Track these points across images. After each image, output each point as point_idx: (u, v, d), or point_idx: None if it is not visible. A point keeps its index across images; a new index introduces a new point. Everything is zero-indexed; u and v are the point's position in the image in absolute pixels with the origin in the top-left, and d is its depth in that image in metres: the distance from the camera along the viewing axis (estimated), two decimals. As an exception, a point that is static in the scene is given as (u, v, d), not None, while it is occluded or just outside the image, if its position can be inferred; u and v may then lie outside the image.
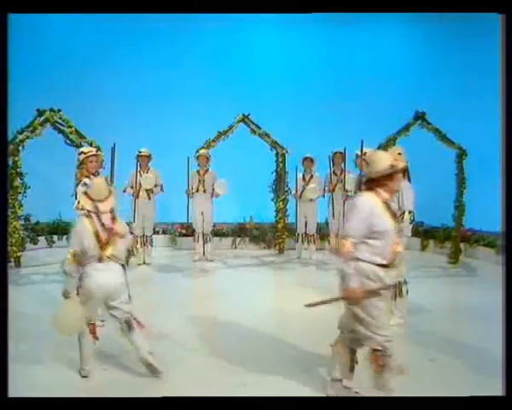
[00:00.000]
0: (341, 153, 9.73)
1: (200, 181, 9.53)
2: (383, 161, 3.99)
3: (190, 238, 10.18)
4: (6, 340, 3.65)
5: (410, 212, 5.91)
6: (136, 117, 11.85)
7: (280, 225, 10.61)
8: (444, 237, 10.68)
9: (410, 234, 5.99)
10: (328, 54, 12.58)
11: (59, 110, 9.22)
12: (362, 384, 4.41)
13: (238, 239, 11.13)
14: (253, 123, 10.32)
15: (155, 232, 10.19)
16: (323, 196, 9.87)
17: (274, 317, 6.64)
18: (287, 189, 10.39)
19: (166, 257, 10.16)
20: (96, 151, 6.86)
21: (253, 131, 10.34)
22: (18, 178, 8.82)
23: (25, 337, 5.36)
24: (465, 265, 9.76)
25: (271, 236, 10.88)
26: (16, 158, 8.84)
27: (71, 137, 9.30)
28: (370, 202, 3.96)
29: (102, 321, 6.02)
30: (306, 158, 9.81)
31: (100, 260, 4.62)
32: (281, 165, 10.47)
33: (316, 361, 5.13)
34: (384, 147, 10.13)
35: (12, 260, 8.86)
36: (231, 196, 10.03)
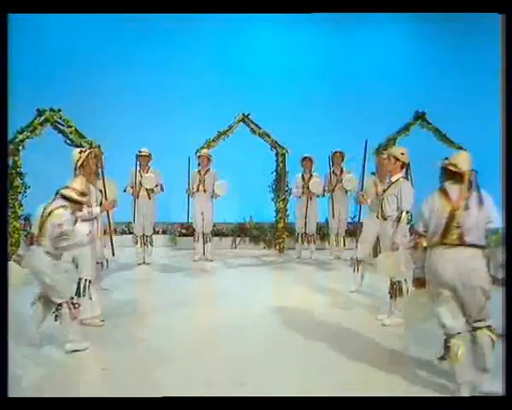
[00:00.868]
0: (341, 153, 9.73)
1: (200, 181, 9.52)
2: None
3: (190, 238, 10.18)
4: (6, 340, 3.65)
5: (407, 212, 5.92)
6: (136, 117, 11.86)
7: (280, 225, 10.61)
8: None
9: (407, 234, 5.99)
10: (328, 54, 12.58)
11: (59, 110, 9.23)
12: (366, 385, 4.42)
13: (238, 239, 11.13)
14: (253, 123, 10.32)
15: (155, 232, 10.19)
16: (323, 195, 9.86)
17: (274, 317, 6.62)
18: (287, 189, 10.39)
19: (166, 257, 10.16)
20: (96, 150, 6.87)
21: (253, 131, 10.35)
22: (18, 178, 8.84)
23: (24, 337, 5.35)
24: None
25: (271, 236, 10.88)
26: (16, 158, 8.86)
27: (71, 136, 9.32)
28: None
29: (102, 321, 6.05)
30: (305, 158, 9.80)
31: None
32: (281, 165, 10.47)
33: (316, 361, 5.13)
34: (384, 147, 10.16)
35: (12, 259, 8.85)
36: (231, 196, 10.03)
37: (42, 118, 9.05)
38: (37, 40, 11.45)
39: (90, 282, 5.94)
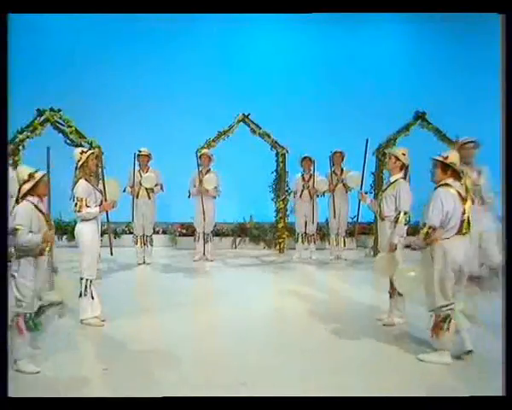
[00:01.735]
0: (341, 153, 9.73)
1: (200, 181, 9.51)
2: None
3: (190, 238, 10.18)
4: (6, 340, 3.65)
5: (405, 213, 5.93)
6: (136, 117, 11.85)
7: (280, 225, 10.61)
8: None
9: (405, 235, 6.00)
10: (328, 54, 12.58)
11: (59, 110, 9.23)
12: (367, 385, 4.42)
13: (238, 239, 11.13)
14: (253, 123, 10.32)
15: (155, 232, 10.19)
16: (323, 195, 9.84)
17: (274, 316, 6.63)
18: (287, 189, 10.38)
19: (166, 257, 10.16)
20: (96, 151, 6.88)
21: (253, 131, 10.35)
22: (18, 178, 8.82)
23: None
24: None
25: (271, 235, 10.88)
26: (16, 158, 8.85)
27: (71, 136, 9.32)
28: None
29: (103, 321, 6.05)
30: (305, 158, 9.77)
31: None
32: (281, 165, 10.46)
33: (316, 361, 5.13)
34: (384, 147, 10.17)
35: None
36: (231, 195, 10.03)
37: (42, 118, 9.06)
38: (37, 40, 11.45)
39: (91, 282, 5.95)
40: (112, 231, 7.76)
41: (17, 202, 4.71)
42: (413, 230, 5.93)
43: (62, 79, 11.37)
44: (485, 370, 4.83)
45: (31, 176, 4.69)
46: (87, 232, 5.96)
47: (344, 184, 9.60)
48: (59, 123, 9.26)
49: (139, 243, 9.45)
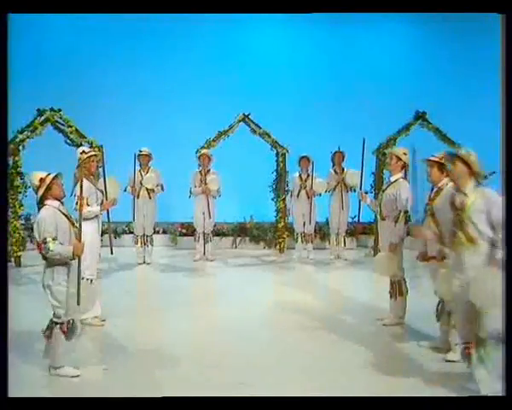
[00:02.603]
0: (341, 152, 9.73)
1: (201, 181, 9.50)
2: None
3: (191, 238, 10.18)
4: (6, 340, 3.65)
5: (405, 212, 5.93)
6: (137, 117, 11.85)
7: (280, 225, 10.59)
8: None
9: (404, 235, 6.00)
10: (328, 54, 12.57)
11: (59, 110, 9.22)
12: (367, 385, 4.42)
13: (238, 239, 11.13)
14: (254, 122, 10.31)
15: (156, 232, 10.18)
16: (319, 195, 9.82)
17: (274, 316, 6.63)
18: (287, 188, 10.37)
19: (167, 257, 10.16)
20: (97, 151, 6.89)
21: (254, 131, 10.34)
22: (18, 178, 8.82)
23: (24, 337, 5.36)
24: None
25: (272, 235, 10.87)
26: (17, 158, 8.85)
27: (71, 136, 9.32)
28: None
29: (103, 321, 6.06)
30: (303, 157, 9.73)
31: None
32: (281, 164, 10.44)
33: (316, 361, 5.13)
34: (384, 146, 10.17)
35: (12, 259, 8.86)
36: (231, 195, 10.03)
37: (42, 118, 9.05)
38: (37, 40, 11.44)
39: (91, 281, 5.95)
40: (112, 231, 7.76)
41: (39, 209, 4.65)
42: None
43: (62, 78, 11.36)
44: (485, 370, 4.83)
45: (41, 180, 4.61)
46: (87, 232, 5.95)
47: (345, 184, 9.61)
48: (59, 123, 9.26)
49: (139, 243, 9.45)
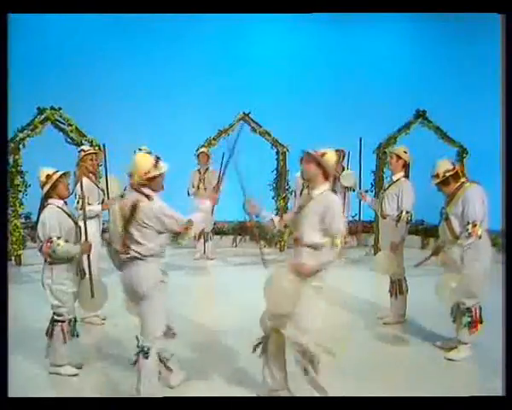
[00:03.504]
0: (342, 151, 9.71)
1: (200, 180, 9.51)
2: None
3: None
4: (6, 340, 3.65)
5: (407, 212, 5.93)
6: (137, 116, 11.84)
7: (280, 224, 10.58)
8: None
9: (406, 234, 6.00)
10: (328, 53, 12.56)
11: (59, 108, 9.21)
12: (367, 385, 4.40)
13: (239, 237, 11.11)
14: (254, 121, 10.31)
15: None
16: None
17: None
18: (287, 187, 10.37)
19: (167, 255, 10.08)
20: (96, 150, 6.88)
21: (254, 130, 10.34)
22: (18, 177, 8.82)
23: (25, 337, 5.36)
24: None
25: (272, 234, 10.85)
26: (17, 156, 8.84)
27: (71, 135, 9.30)
28: None
29: (103, 319, 6.06)
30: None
31: None
32: (281, 163, 10.45)
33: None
34: (385, 145, 10.16)
35: (12, 258, 8.88)
36: (231, 194, 10.01)
37: (42, 116, 9.04)
38: (37, 40, 11.43)
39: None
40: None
41: (41, 206, 4.63)
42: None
43: (62, 77, 11.36)
44: (486, 370, 4.84)
45: (48, 177, 4.60)
46: (88, 231, 5.94)
47: (343, 183, 9.61)
48: (59, 122, 9.25)
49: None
